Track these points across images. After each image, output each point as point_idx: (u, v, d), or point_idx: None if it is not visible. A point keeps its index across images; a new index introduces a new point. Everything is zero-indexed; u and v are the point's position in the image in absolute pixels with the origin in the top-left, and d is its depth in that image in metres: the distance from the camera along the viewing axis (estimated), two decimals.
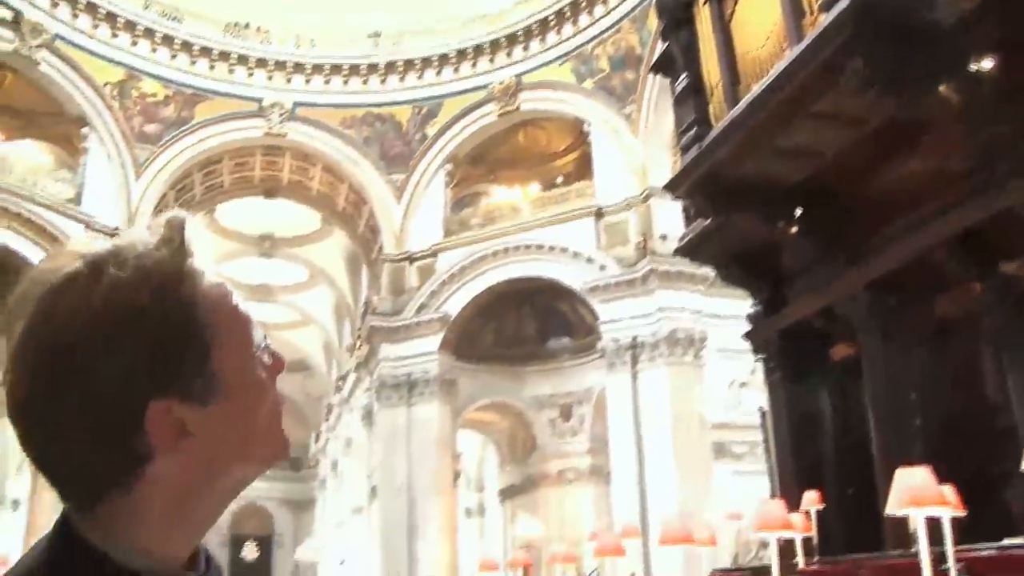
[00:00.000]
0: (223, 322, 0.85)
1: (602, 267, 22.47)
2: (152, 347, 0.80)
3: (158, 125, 24.83)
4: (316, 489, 46.45)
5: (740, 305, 11.41)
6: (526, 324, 25.92)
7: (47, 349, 0.79)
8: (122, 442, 0.80)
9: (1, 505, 23.02)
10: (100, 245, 0.84)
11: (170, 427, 0.81)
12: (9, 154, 23.53)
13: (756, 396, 15.26)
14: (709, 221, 9.88)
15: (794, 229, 9.19)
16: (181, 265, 0.84)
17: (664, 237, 20.65)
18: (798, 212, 9.15)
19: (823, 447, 9.28)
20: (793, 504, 7.91)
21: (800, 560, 7.13)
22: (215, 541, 45.29)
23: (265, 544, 47.52)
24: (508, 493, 28.02)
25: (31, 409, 0.81)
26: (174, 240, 0.85)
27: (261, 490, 48.56)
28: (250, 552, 46.49)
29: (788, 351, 9.74)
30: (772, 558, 5.56)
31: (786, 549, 7.71)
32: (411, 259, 26.07)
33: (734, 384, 20.46)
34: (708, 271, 15.56)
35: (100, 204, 23.00)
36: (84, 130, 23.87)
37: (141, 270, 0.82)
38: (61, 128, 24.79)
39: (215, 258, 33.16)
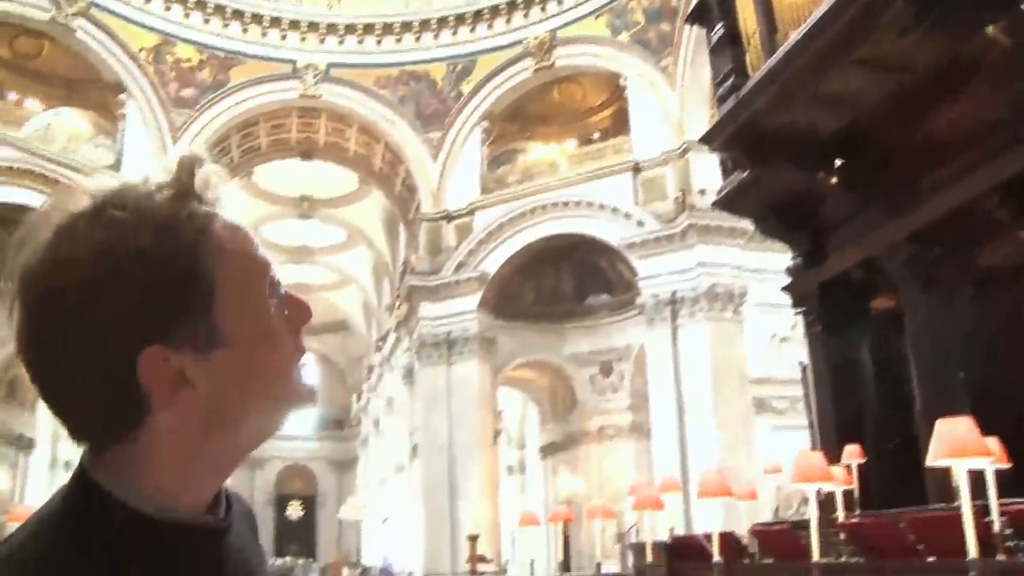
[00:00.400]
0: (231, 267, 0.81)
1: (640, 223, 22.30)
2: (147, 292, 0.77)
3: (194, 89, 24.89)
4: (359, 448, 46.96)
5: (780, 259, 11.23)
6: (565, 281, 25.84)
7: (43, 291, 0.77)
8: (118, 388, 0.78)
9: (54, 466, 23.56)
10: (107, 184, 0.81)
11: (165, 375, 0.78)
12: (50, 122, 23.75)
13: (797, 351, 15.12)
14: (747, 173, 9.72)
15: (833, 180, 9.01)
16: (184, 207, 0.81)
17: (703, 191, 20.40)
18: (837, 162, 8.96)
19: (864, 400, 9.15)
20: (833, 458, 7.81)
21: (840, 514, 7.05)
22: (260, 500, 46.23)
23: (309, 503, 48.23)
24: (549, 450, 28.12)
25: (32, 351, 0.79)
26: (182, 180, 0.82)
27: (305, 450, 49.32)
28: (294, 511, 47.23)
29: (828, 304, 9.59)
30: (811, 510, 5.49)
31: (826, 503, 7.64)
32: (448, 218, 26.04)
33: (775, 339, 20.28)
34: (747, 225, 15.38)
35: (139, 169, 22.93)
36: (121, 96, 24.00)
37: (140, 211, 0.79)
38: (99, 95, 24.96)
39: (254, 221, 33.52)
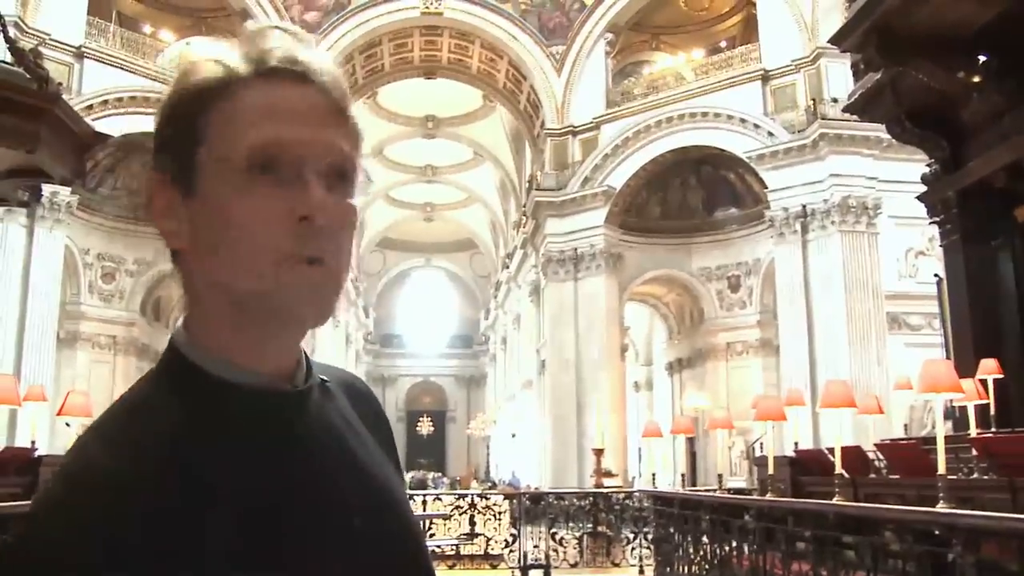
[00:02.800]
0: (223, 121, 0.84)
1: (770, 133, 21.59)
2: (161, 127, 0.88)
3: (317, 13, 25.10)
4: (487, 365, 47.78)
5: (916, 170, 10.63)
6: (692, 195, 25.39)
7: None
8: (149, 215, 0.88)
9: None
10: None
11: (160, 200, 0.87)
12: (182, 52, 24.31)
13: (933, 265, 14.50)
14: (880, 74, 9.17)
15: (976, 78, 8.42)
16: (213, 64, 0.87)
17: (835, 100, 19.56)
18: (982, 59, 8.36)
19: (1004, 314, 8.66)
20: (969, 372, 7.45)
21: (973, 430, 6.74)
22: (391, 416, 47.33)
23: (439, 419, 49.44)
24: (676, 366, 28.01)
25: None
26: (242, 48, 0.89)
27: (434, 367, 50.49)
28: (425, 427, 48.52)
29: (967, 212, 9.05)
30: (937, 422, 5.25)
31: (960, 422, 7.34)
32: (573, 132, 25.78)
33: (910, 252, 19.52)
34: (882, 134, 14.67)
35: None
36: (248, 23, 24.23)
37: (191, 73, 0.87)
38: (227, 23, 25.47)
39: (379, 141, 34.00)
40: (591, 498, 13.99)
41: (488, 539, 12.70)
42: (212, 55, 0.87)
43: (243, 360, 0.85)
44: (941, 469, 4.92)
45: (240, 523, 0.78)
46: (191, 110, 0.85)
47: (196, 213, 0.84)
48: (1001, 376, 7.76)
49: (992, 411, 7.76)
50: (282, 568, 0.79)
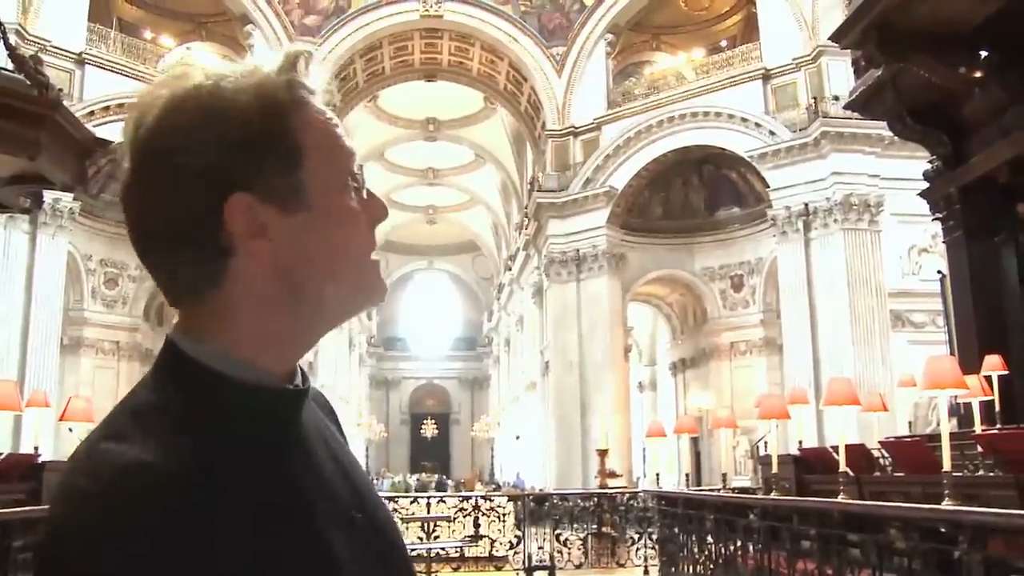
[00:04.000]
0: (319, 140, 0.88)
1: (771, 132, 21.57)
2: (241, 144, 0.83)
3: (317, 16, 25.13)
4: (491, 367, 47.74)
5: (919, 167, 10.60)
6: (694, 195, 25.38)
7: (152, 148, 0.84)
8: (206, 231, 0.83)
9: None
10: (219, 65, 0.88)
11: (248, 222, 0.83)
12: (182, 57, 24.40)
13: (936, 262, 14.47)
14: (881, 71, 9.15)
15: (978, 73, 8.39)
16: (284, 79, 0.88)
17: (836, 98, 19.55)
18: (983, 54, 8.34)
19: (1008, 310, 8.63)
20: (973, 369, 7.42)
21: (978, 427, 6.72)
22: (395, 419, 47.75)
23: (443, 422, 49.33)
24: (680, 366, 27.99)
25: (129, 196, 0.86)
26: (285, 65, 0.89)
27: (438, 370, 50.46)
28: (429, 430, 48.41)
29: (970, 208, 9.02)
30: (942, 418, 5.24)
31: (965, 418, 7.31)
32: (575, 133, 25.77)
33: (913, 250, 19.51)
34: (884, 131, 14.66)
35: None
36: (248, 28, 24.44)
37: (244, 79, 0.86)
38: (227, 28, 25.55)
39: (381, 144, 34.00)
40: (595, 499, 13.98)
41: (493, 541, 12.68)
42: (283, 75, 0.88)
43: (261, 362, 0.87)
44: (946, 466, 4.89)
45: (255, 519, 0.79)
46: (278, 124, 0.85)
47: (303, 227, 0.86)
48: (1006, 372, 7.73)
49: (997, 407, 7.73)
50: (295, 561, 0.81)
